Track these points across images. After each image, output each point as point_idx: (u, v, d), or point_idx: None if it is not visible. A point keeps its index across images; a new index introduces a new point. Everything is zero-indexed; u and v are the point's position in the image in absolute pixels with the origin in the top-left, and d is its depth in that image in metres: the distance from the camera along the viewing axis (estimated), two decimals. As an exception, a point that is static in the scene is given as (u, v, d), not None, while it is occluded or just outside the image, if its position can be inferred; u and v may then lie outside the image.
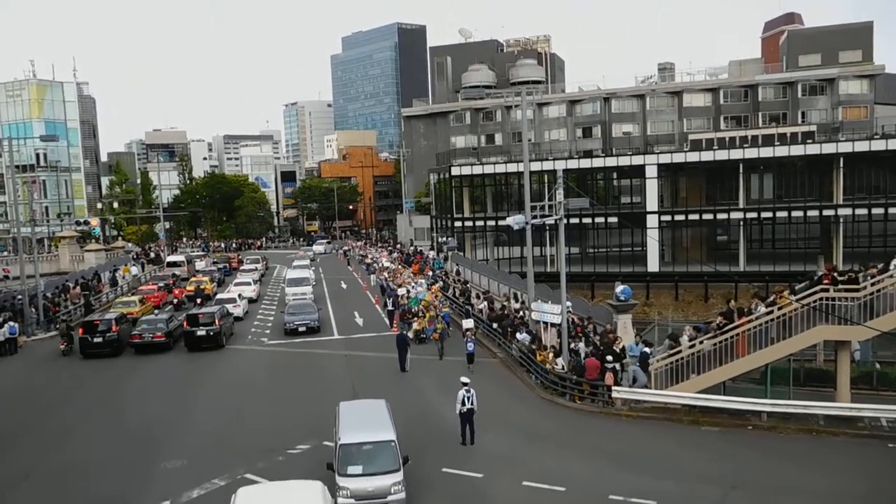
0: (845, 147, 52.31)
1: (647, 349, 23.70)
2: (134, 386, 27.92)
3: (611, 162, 60.50)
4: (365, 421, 16.88)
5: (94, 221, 60.25)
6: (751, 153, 53.87)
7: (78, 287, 46.71)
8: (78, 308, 43.23)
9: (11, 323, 34.91)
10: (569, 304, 27.05)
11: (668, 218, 56.67)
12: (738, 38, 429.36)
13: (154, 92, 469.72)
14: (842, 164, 52.06)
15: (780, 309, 21.75)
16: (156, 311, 40.04)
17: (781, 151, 53.37)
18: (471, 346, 27.78)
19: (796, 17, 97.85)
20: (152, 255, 72.74)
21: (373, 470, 15.39)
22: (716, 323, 23.05)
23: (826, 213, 53.23)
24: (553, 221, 27.24)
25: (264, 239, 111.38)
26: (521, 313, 33.11)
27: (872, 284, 21.44)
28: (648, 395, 22.35)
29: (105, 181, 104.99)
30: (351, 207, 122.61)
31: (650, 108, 78.27)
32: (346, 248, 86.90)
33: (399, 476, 15.33)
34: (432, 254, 65.61)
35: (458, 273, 50.84)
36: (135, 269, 59.38)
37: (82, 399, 26.19)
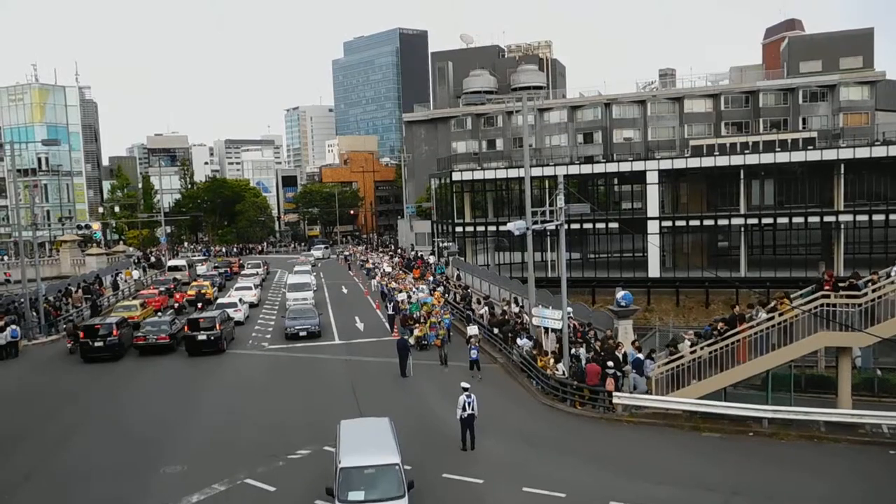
0: (846, 153, 52.33)
1: (639, 355, 23.67)
2: (134, 390, 27.90)
3: (612, 167, 60.53)
4: (367, 442, 15.83)
5: (96, 225, 60.35)
6: (752, 159, 53.87)
7: (80, 291, 46.74)
8: (84, 309, 43.56)
9: (13, 326, 34.91)
10: (569, 309, 27.03)
11: (668, 224, 56.67)
12: (740, 45, 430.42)
13: (156, 96, 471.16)
14: (843, 171, 52.08)
15: (780, 315, 21.74)
16: (159, 314, 40.11)
17: (782, 157, 53.38)
18: (474, 353, 27.67)
19: (797, 23, 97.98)
20: (152, 259, 72.79)
21: (375, 496, 14.33)
22: (717, 329, 23.04)
23: (827, 219, 53.21)
24: (554, 227, 27.26)
25: (265, 244, 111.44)
26: (521, 318, 33.12)
27: (873, 291, 21.43)
28: (649, 400, 22.32)
29: (106, 185, 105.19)
30: (352, 212, 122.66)
31: (651, 114, 78.37)
32: (346, 252, 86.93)
33: (404, 503, 14.33)
34: (433, 259, 65.63)
35: (458, 278, 50.84)
36: (136, 273, 59.48)
37: (83, 403, 26.17)
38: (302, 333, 35.98)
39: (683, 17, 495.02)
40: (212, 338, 32.92)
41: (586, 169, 60.90)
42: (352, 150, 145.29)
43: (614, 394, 22.46)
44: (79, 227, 59.87)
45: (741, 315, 22.98)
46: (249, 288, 48.87)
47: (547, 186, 53.99)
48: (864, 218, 52.17)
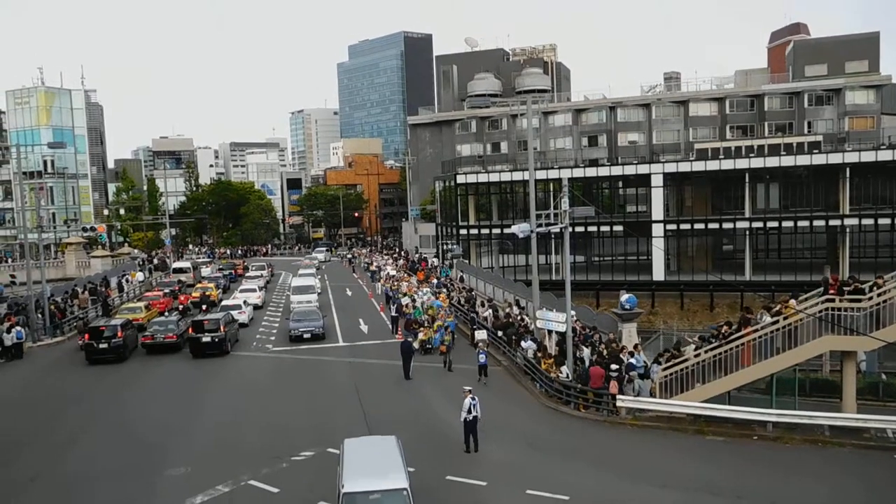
0: (851, 157, 52.18)
1: (632, 360, 23.65)
2: (139, 392, 27.96)
3: (616, 171, 60.48)
4: (373, 464, 14.58)
5: (101, 228, 60.57)
6: (757, 163, 53.74)
7: (87, 292, 46.92)
8: (94, 310, 43.95)
9: (18, 328, 35.01)
10: (573, 312, 27.02)
11: (673, 227, 56.58)
12: (745, 48, 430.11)
13: (161, 99, 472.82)
14: (848, 175, 51.91)
15: (785, 319, 21.71)
16: (166, 314, 40.25)
17: (787, 161, 53.26)
18: (483, 358, 27.50)
19: (802, 27, 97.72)
20: (156, 261, 73.00)
21: None
22: (721, 332, 23.02)
23: (832, 223, 53.05)
24: (558, 230, 27.26)
25: (270, 246, 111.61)
26: (523, 319, 33.13)
27: (878, 295, 21.38)
28: (653, 403, 22.29)
29: (112, 188, 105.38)
30: (356, 215, 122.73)
31: (656, 118, 78.36)
32: (349, 255, 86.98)
33: None
34: (435, 261, 65.65)
35: (462, 280, 50.86)
36: (141, 275, 59.69)
37: (88, 405, 26.22)
38: (306, 335, 36.00)
39: (688, 21, 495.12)
40: (216, 340, 32.99)
41: (591, 172, 60.89)
42: (356, 153, 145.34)
43: (618, 397, 22.45)
44: (84, 230, 60.13)
45: (745, 318, 22.97)
46: (254, 290, 48.99)
47: (551, 189, 54.09)
48: (870, 222, 52.02)
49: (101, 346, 32.34)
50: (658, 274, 55.86)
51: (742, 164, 53.99)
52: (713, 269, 54.60)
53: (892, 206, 51.76)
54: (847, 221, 52.27)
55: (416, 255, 73.45)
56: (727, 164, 54.59)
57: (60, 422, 23.90)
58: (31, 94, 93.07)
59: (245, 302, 43.59)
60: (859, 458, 18.92)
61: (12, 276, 58.36)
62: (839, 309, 21.42)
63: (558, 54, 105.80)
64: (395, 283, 48.91)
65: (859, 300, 21.44)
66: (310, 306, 42.26)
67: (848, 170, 51.84)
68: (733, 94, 77.59)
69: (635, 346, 25.15)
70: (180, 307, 45.98)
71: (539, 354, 27.12)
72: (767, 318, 22.28)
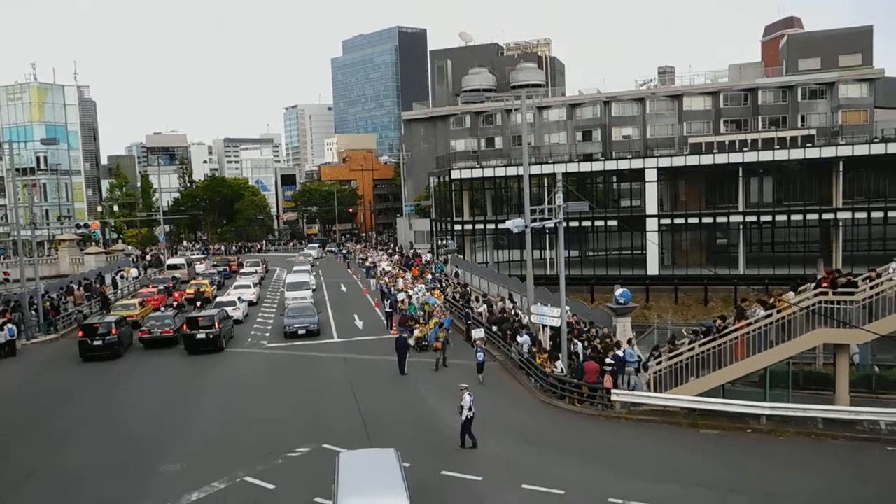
0: (845, 151, 52.40)
1: (619, 352, 23.64)
2: (133, 389, 27.89)
3: (611, 165, 60.57)
4: (371, 480, 13.44)
5: (95, 224, 60.17)
6: (750, 157, 53.92)
7: (81, 289, 46.80)
8: (90, 306, 43.90)
9: (10, 325, 34.86)
10: (568, 307, 27.04)
11: (667, 221, 56.71)
12: (739, 42, 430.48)
13: (155, 95, 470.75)
14: (841, 168, 52.12)
15: (779, 312, 21.79)
16: (162, 310, 40.18)
17: (781, 155, 53.44)
18: (481, 356, 27.47)
19: (796, 21, 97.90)
20: (150, 258, 72.80)
21: None
22: (716, 325, 23.11)
23: (826, 216, 53.33)
24: (553, 225, 27.28)
25: (264, 242, 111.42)
26: (516, 313, 33.17)
27: (871, 288, 21.49)
28: (648, 397, 22.36)
29: (105, 184, 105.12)
30: (351, 210, 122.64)
31: (650, 112, 78.38)
32: (344, 251, 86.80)
33: None
34: (429, 256, 65.62)
35: (457, 276, 50.85)
36: (135, 272, 59.55)
37: (81, 402, 26.16)
38: (301, 332, 35.99)
39: (682, 16, 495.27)
40: (210, 336, 32.93)
41: (585, 167, 60.87)
42: (351, 149, 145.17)
43: (612, 391, 22.50)
44: (77, 226, 59.86)
45: (741, 311, 23.06)
46: (248, 286, 48.86)
47: (546, 184, 54.06)
48: (863, 215, 52.22)
49: (96, 342, 32.24)
50: (652, 268, 56.02)
51: (736, 158, 54.17)
52: (707, 264, 54.76)
53: (885, 200, 51.96)
54: (840, 215, 52.49)
55: (411, 251, 73.43)
56: (721, 159, 54.78)
57: (55, 419, 23.84)
58: (24, 90, 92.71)
59: (240, 298, 43.52)
60: (852, 450, 19.02)
61: (6, 274, 58.16)
62: (832, 302, 21.52)
63: (553, 49, 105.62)
64: (391, 279, 48.89)
65: (852, 293, 21.54)
66: (304, 302, 42.23)
67: (841, 163, 52.04)
68: (727, 88, 77.67)
69: (629, 341, 25.19)
70: (175, 304, 45.89)
71: (534, 349, 27.15)
72: (761, 312, 22.37)
